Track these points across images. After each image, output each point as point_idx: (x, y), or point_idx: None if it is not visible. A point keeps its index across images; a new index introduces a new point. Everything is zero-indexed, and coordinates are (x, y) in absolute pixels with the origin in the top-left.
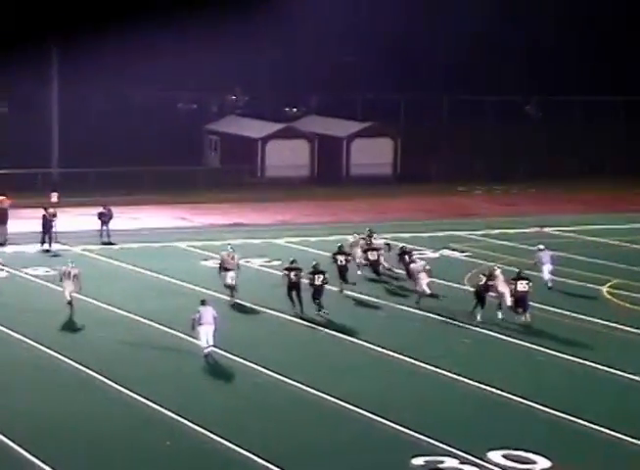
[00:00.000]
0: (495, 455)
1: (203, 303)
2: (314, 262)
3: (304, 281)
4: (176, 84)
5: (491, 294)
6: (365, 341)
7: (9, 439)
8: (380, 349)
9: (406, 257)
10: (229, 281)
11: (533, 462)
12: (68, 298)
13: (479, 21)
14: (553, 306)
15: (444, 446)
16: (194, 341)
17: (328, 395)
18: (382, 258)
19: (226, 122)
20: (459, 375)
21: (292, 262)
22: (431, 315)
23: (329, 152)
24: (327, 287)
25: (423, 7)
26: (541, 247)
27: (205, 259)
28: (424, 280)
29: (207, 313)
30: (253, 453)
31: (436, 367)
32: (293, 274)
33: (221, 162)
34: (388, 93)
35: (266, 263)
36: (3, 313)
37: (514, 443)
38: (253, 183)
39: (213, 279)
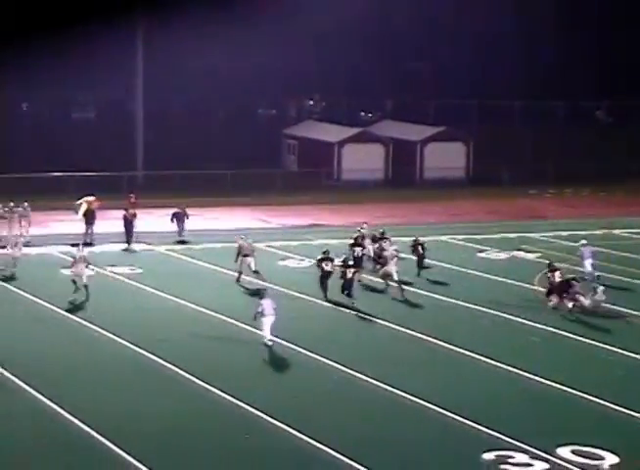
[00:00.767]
0: (564, 451)
1: (262, 295)
2: (344, 256)
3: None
4: (256, 90)
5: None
6: (435, 338)
7: (102, 436)
8: (450, 346)
9: (381, 242)
10: (253, 267)
11: (602, 458)
12: (85, 280)
13: (550, 26)
14: (622, 307)
15: (514, 442)
16: (275, 339)
17: (399, 390)
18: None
19: (304, 127)
20: (528, 372)
21: (324, 253)
22: (500, 314)
23: (403, 155)
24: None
25: (499, 10)
26: (584, 242)
27: (283, 259)
28: (393, 267)
29: (268, 305)
30: (325, 445)
31: (506, 365)
32: (324, 264)
33: (299, 165)
34: (460, 98)
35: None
36: (90, 311)
37: (582, 439)
38: (330, 186)
39: (292, 277)
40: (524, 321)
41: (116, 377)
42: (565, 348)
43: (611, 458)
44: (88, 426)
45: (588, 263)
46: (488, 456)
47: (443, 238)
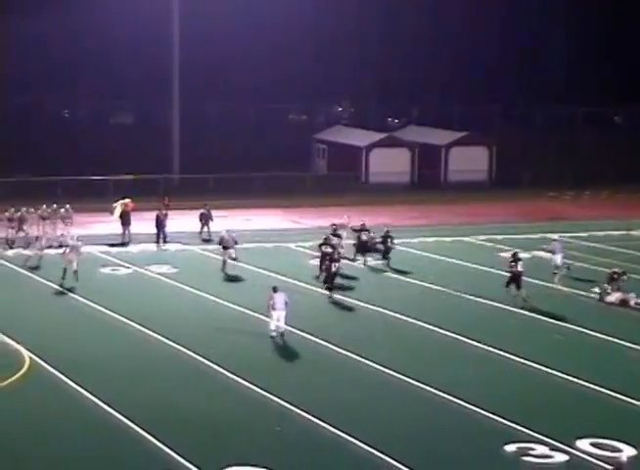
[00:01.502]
0: (583, 443)
1: (275, 289)
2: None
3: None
4: (288, 97)
5: None
6: (460, 335)
7: (142, 428)
8: (476, 343)
9: (360, 233)
10: (233, 256)
11: (620, 450)
12: (75, 267)
13: (570, 34)
14: None
15: (535, 434)
16: (306, 335)
17: (427, 385)
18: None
19: (333, 132)
20: (550, 368)
21: (325, 239)
22: (524, 313)
23: (428, 159)
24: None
25: (514, 22)
26: (556, 237)
27: (314, 259)
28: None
29: (280, 299)
30: (355, 437)
31: (530, 361)
32: (324, 247)
33: (328, 168)
34: (483, 104)
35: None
36: (128, 307)
37: (601, 432)
38: (358, 188)
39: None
40: (547, 319)
41: (155, 371)
42: (586, 345)
43: (628, 450)
44: (125, 416)
45: (559, 257)
46: (510, 448)
47: (466, 239)
